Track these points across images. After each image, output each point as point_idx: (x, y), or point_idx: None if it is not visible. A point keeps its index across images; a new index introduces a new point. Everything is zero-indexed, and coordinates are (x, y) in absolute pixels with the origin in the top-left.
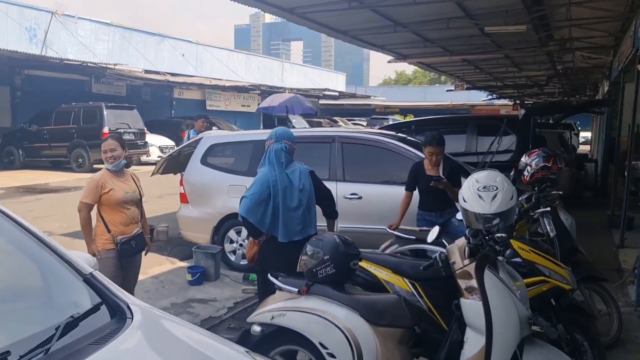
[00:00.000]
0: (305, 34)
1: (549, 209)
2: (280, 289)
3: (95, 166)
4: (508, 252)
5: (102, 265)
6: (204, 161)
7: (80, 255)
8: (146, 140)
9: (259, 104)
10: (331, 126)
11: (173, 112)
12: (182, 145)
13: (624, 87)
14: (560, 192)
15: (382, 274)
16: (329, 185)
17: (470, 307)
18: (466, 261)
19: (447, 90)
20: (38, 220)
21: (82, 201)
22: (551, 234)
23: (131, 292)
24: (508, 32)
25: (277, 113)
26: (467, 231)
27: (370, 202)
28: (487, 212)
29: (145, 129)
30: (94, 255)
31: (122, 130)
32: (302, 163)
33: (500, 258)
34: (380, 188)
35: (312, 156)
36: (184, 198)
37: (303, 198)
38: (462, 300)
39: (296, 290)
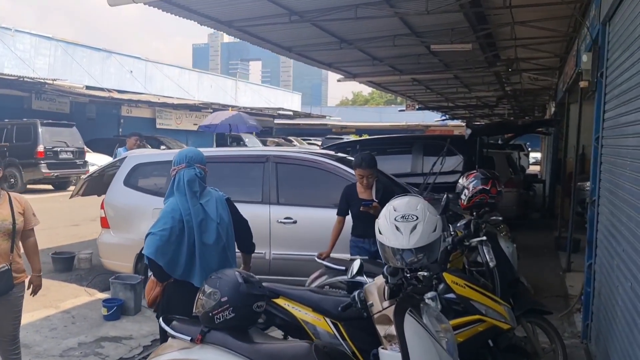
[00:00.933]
0: (263, 55)
1: (485, 238)
2: (173, 336)
3: (28, 186)
4: (441, 286)
5: None
6: (127, 182)
7: None
8: (86, 159)
9: None
10: (278, 145)
11: (121, 130)
12: (106, 164)
13: (569, 108)
14: (500, 218)
15: (301, 313)
16: (262, 208)
17: (389, 358)
18: (385, 303)
19: (400, 111)
20: None
21: None
22: (490, 264)
23: (11, 337)
24: (455, 50)
25: (220, 131)
26: (385, 268)
27: (305, 227)
28: (404, 247)
29: (85, 147)
30: None
31: (58, 149)
32: (217, 189)
33: (430, 295)
34: (316, 212)
35: (244, 177)
36: (104, 222)
37: (222, 231)
38: (381, 351)
39: (189, 338)
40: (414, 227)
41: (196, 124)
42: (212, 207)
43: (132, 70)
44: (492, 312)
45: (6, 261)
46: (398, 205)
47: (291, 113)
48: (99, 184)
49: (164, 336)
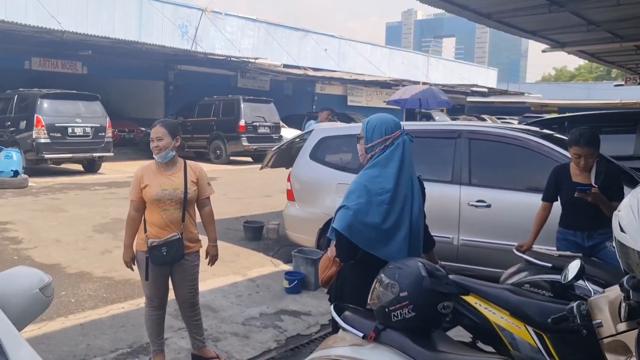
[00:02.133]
0: (457, 30)
1: None
2: (343, 328)
3: (231, 158)
4: None
5: (138, 267)
6: (313, 155)
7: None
8: (281, 134)
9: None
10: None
11: (315, 107)
12: (294, 136)
13: None
14: None
15: (496, 316)
16: (451, 189)
17: None
18: (622, 326)
19: (616, 85)
20: None
21: (129, 198)
22: None
23: (189, 304)
24: None
25: (409, 107)
26: (625, 279)
27: (500, 212)
28: None
29: (280, 122)
30: (126, 262)
31: (257, 124)
32: None
33: None
34: (514, 196)
35: (433, 153)
36: (290, 195)
37: (419, 212)
38: None
39: (361, 335)
40: None
41: (386, 101)
42: (415, 182)
43: (326, 49)
44: None
45: (178, 230)
46: None
47: (485, 90)
48: (287, 156)
49: (335, 325)
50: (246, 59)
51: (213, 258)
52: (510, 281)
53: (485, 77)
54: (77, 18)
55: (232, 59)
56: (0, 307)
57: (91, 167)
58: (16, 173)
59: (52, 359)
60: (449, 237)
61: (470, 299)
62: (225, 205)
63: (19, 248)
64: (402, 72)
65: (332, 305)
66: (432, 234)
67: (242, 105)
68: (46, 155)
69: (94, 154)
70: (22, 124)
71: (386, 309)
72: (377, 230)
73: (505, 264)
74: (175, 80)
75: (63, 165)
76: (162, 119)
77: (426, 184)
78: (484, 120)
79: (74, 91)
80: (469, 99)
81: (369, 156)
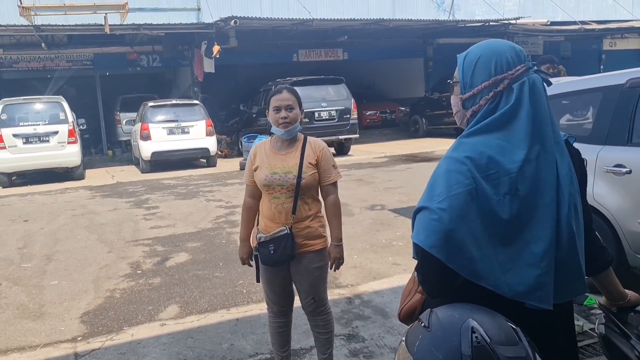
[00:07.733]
0: None
1: None
2: None
3: None
4: None
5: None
6: None
7: None
8: None
9: None
10: None
11: (602, 67)
12: None
13: None
14: None
15: None
16: None
17: None
18: None
19: None
20: (387, 192)
21: (244, 182)
22: None
23: (308, 311)
24: None
25: None
26: None
27: None
28: None
29: None
30: (242, 258)
31: None
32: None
33: None
34: None
35: None
36: None
37: (565, 205)
38: None
39: None
40: None
41: None
42: (564, 159)
43: None
44: None
45: (286, 223)
46: None
47: None
48: None
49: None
50: (506, 21)
51: (336, 261)
52: None
53: None
54: (333, 5)
55: (489, 23)
56: None
57: (340, 149)
58: None
59: (190, 357)
60: None
61: None
62: None
63: (232, 232)
64: None
65: None
66: None
67: None
68: None
69: (340, 137)
70: None
71: None
72: (490, 243)
73: None
74: (435, 55)
75: None
76: (285, 85)
77: None
78: None
79: (321, 76)
80: None
81: (469, 113)
